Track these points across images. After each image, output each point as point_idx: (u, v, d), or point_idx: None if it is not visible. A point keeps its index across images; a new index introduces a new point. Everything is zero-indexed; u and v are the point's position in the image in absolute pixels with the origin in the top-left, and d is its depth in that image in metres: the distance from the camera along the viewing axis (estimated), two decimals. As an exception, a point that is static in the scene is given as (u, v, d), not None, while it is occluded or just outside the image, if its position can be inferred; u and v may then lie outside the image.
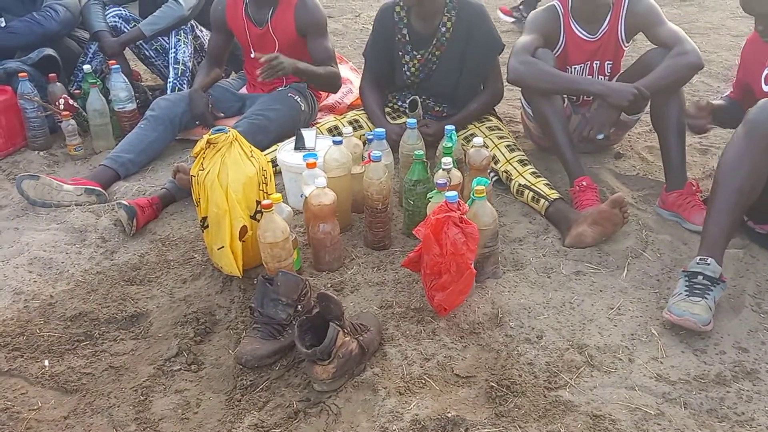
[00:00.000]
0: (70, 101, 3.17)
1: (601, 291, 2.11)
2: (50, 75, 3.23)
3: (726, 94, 2.63)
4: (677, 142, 2.52)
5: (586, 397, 1.71)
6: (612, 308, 2.03)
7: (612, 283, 2.15)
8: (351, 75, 3.81)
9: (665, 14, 2.65)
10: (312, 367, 1.73)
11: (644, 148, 3.08)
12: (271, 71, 2.76)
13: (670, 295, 1.99)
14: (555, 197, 2.49)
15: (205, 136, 2.12)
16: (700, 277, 1.93)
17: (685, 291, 1.92)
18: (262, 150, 2.64)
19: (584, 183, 2.49)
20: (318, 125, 3.00)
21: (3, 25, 3.49)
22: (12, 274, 2.26)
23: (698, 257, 1.98)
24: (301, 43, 3.04)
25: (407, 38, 2.85)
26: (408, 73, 2.91)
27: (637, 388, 1.73)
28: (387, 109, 3.10)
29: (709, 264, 1.95)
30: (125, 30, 3.49)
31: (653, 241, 2.35)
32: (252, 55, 3.07)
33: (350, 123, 2.99)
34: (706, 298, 1.89)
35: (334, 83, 3.14)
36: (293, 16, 2.97)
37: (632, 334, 1.92)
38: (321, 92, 3.44)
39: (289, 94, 3.12)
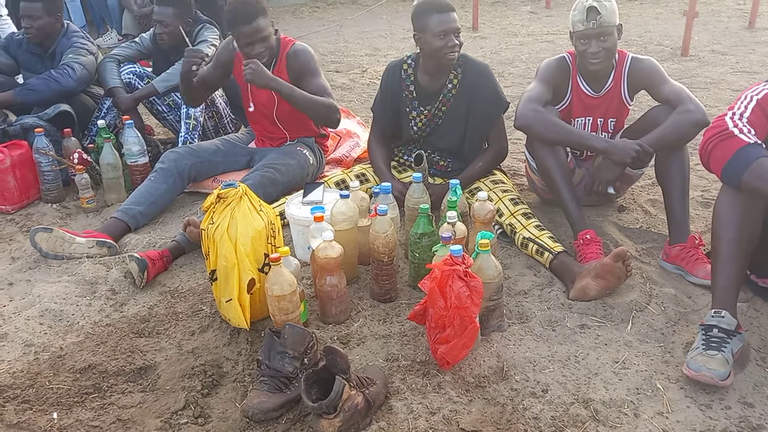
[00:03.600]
0: (84, 155, 3.25)
1: (606, 344, 2.12)
2: (65, 130, 3.32)
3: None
4: (680, 196, 2.56)
5: (592, 452, 1.71)
6: (617, 362, 2.04)
7: (617, 336, 2.16)
8: (358, 129, 3.90)
9: (666, 69, 2.72)
10: (318, 420, 1.74)
11: (647, 201, 3.12)
12: (251, 73, 2.78)
13: (689, 349, 2.00)
14: (559, 250, 2.52)
15: (216, 191, 2.17)
16: (715, 330, 1.94)
17: (702, 345, 1.93)
18: (270, 202, 2.70)
19: (588, 236, 2.52)
20: (326, 178, 3.06)
21: (21, 82, 3.63)
22: (23, 326, 2.29)
23: (713, 310, 2.00)
24: None
25: (414, 94, 2.93)
26: (415, 128, 2.98)
27: (643, 444, 1.73)
28: (393, 163, 3.16)
29: (723, 317, 1.96)
30: (139, 86, 3.60)
31: (657, 295, 2.37)
32: (250, 108, 3.17)
33: (357, 177, 3.05)
34: (722, 351, 1.90)
35: (330, 115, 3.01)
36: (285, 66, 3.04)
37: (637, 389, 1.92)
38: (328, 146, 3.52)
39: (298, 148, 3.20)
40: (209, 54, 3.20)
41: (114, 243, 2.77)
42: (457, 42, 2.75)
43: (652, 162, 2.67)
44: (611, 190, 2.60)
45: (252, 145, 3.40)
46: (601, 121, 2.82)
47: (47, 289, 2.50)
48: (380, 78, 3.11)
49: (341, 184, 3.01)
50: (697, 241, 2.48)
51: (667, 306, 2.31)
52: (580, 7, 2.62)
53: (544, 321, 2.24)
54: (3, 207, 3.20)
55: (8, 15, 4.97)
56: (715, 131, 2.02)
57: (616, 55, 2.72)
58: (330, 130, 3.66)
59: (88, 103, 3.68)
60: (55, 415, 1.89)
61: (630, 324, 2.21)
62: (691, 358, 1.92)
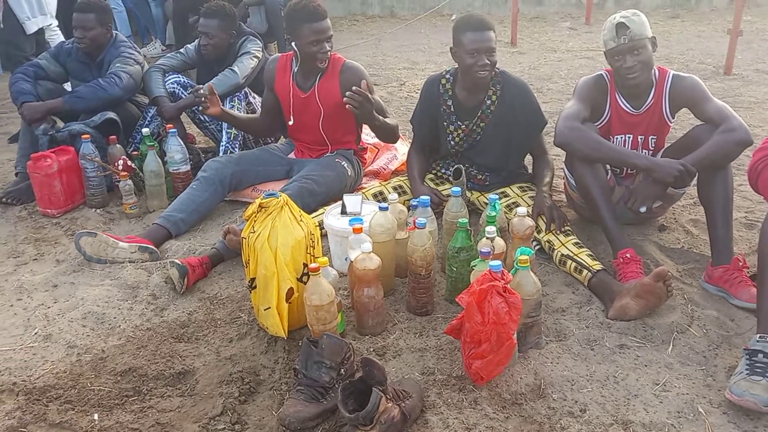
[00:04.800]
0: (128, 162, 3.32)
1: (645, 366, 2.09)
2: (111, 137, 3.40)
3: None
4: (724, 216, 2.51)
5: (631, 475, 1.68)
6: (657, 384, 2.00)
7: (657, 357, 2.13)
8: (397, 142, 3.90)
9: (708, 87, 2.68)
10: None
11: (689, 221, 3.07)
12: (355, 104, 2.79)
13: (732, 374, 1.96)
14: (598, 268, 2.49)
15: (258, 200, 2.20)
16: (760, 356, 1.90)
17: (746, 370, 1.90)
18: (309, 213, 2.73)
19: (628, 255, 2.49)
20: (364, 190, 3.08)
21: (69, 89, 3.72)
22: (67, 328, 2.34)
23: (758, 335, 1.96)
24: (345, 108, 3.15)
25: (452, 109, 2.94)
26: (453, 142, 2.98)
27: (683, 468, 1.70)
28: (431, 176, 3.17)
29: None
30: (183, 96, 3.66)
31: (699, 317, 2.33)
32: (290, 122, 3.20)
33: (395, 189, 3.06)
34: (767, 376, 1.86)
35: (396, 134, 3.23)
36: (338, 82, 3.09)
37: (678, 412, 1.89)
38: (366, 158, 3.54)
39: (336, 160, 3.23)
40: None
41: (155, 249, 2.82)
42: (488, 61, 2.74)
43: (694, 181, 2.63)
44: (643, 209, 2.56)
45: (291, 155, 3.44)
46: (641, 139, 2.79)
47: (90, 292, 2.56)
48: (418, 91, 3.13)
49: (378, 196, 3.03)
50: (740, 263, 2.43)
51: (710, 329, 2.27)
52: (608, 26, 2.61)
53: (582, 339, 2.22)
54: (49, 211, 3.28)
55: (57, 26, 5.12)
56: (765, 153, 1.99)
57: (656, 71, 2.70)
58: (368, 142, 3.69)
59: (133, 111, 3.76)
60: (96, 417, 1.92)
61: (671, 346, 2.18)
62: (735, 383, 1.88)
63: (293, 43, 3.03)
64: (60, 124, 3.61)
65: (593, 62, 6.48)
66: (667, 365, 2.09)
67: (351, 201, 2.77)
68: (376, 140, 3.89)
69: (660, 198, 2.61)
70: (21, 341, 2.29)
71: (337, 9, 9.48)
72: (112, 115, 3.52)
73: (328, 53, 3.04)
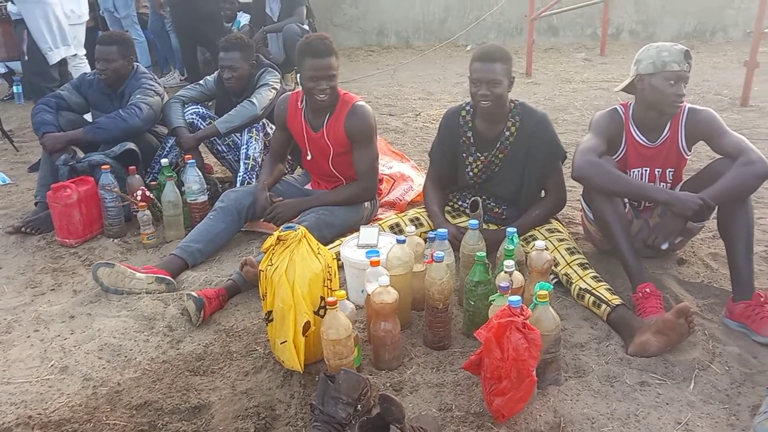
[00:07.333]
0: (147, 193, 3.35)
1: (667, 404, 2.05)
2: (130, 167, 3.43)
3: None
4: (745, 251, 2.48)
5: None
6: (680, 423, 1.96)
7: (679, 395, 2.09)
8: (412, 173, 3.92)
9: (725, 119, 2.68)
10: (371, 470, 1.72)
11: (708, 254, 3.03)
12: (275, 220, 3.07)
13: (756, 413, 1.91)
14: (617, 303, 2.46)
15: (276, 233, 2.20)
16: None
17: None
18: (325, 244, 2.73)
19: (648, 290, 2.46)
20: (380, 222, 3.07)
21: (90, 119, 3.77)
22: (83, 360, 2.34)
23: None
24: (352, 148, 3.16)
25: (471, 141, 2.94)
26: (471, 173, 2.98)
27: None
28: (447, 208, 3.16)
29: None
30: (201, 126, 3.69)
31: (721, 353, 2.29)
32: (308, 157, 3.22)
33: (411, 221, 3.06)
34: None
35: (362, 199, 3.24)
36: (344, 123, 3.09)
37: (702, 453, 1.85)
38: (382, 189, 3.55)
39: (352, 191, 3.23)
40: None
41: (172, 279, 2.82)
42: (487, 92, 2.74)
43: (713, 215, 2.60)
44: (665, 246, 2.54)
45: (308, 186, 3.45)
46: (659, 172, 2.78)
47: (107, 323, 2.56)
48: (434, 122, 3.15)
49: (395, 228, 3.02)
50: (762, 299, 2.39)
51: (732, 366, 2.23)
52: (672, 50, 2.63)
53: (602, 376, 2.18)
54: (67, 240, 3.31)
55: (85, 55, 5.20)
56: None
57: None
58: (384, 173, 3.70)
59: (152, 142, 3.80)
60: (111, 451, 1.91)
61: (692, 383, 2.14)
62: (759, 423, 1.84)
63: (298, 77, 3.06)
64: (80, 154, 3.65)
65: (608, 93, 6.48)
66: (689, 403, 2.05)
67: (368, 233, 2.77)
68: (392, 171, 3.92)
69: (680, 234, 2.59)
70: (37, 373, 2.30)
71: (353, 39, 9.60)
72: (131, 145, 3.56)
73: (326, 91, 2.99)
